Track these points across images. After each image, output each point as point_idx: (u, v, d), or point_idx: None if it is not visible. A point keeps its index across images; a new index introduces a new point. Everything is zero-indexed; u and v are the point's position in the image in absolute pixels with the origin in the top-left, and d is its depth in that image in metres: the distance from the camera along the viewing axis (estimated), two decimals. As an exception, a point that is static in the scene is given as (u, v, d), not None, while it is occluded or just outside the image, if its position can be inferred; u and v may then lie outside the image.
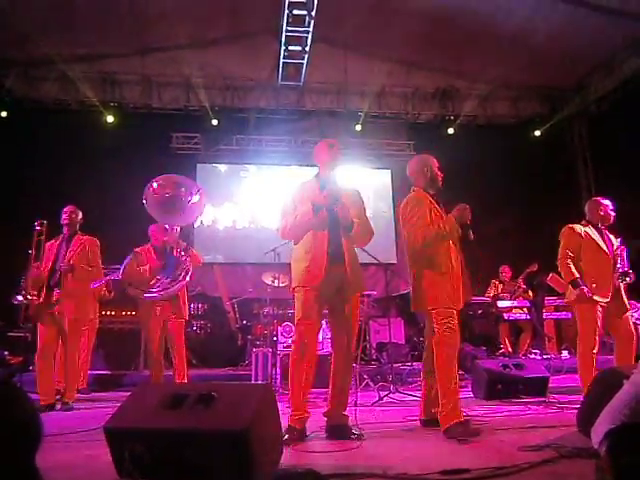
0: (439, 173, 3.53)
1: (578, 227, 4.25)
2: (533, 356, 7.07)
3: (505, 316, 7.36)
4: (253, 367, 5.61)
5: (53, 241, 4.64)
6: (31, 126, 8.60)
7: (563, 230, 4.33)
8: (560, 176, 9.85)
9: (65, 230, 4.67)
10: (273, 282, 6.40)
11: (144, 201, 3.74)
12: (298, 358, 3.11)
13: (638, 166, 7.74)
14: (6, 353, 6.42)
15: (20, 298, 4.57)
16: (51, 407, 4.27)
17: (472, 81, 9.60)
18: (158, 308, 4.58)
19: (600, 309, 3.98)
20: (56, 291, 4.42)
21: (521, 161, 9.19)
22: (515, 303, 7.37)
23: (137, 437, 1.99)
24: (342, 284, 3.12)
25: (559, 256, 4.22)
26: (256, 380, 5.49)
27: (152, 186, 3.85)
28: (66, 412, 4.20)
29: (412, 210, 3.34)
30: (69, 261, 4.45)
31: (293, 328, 5.72)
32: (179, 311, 4.70)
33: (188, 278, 4.66)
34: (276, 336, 5.81)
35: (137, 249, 4.82)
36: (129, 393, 4.80)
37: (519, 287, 7.58)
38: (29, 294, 4.36)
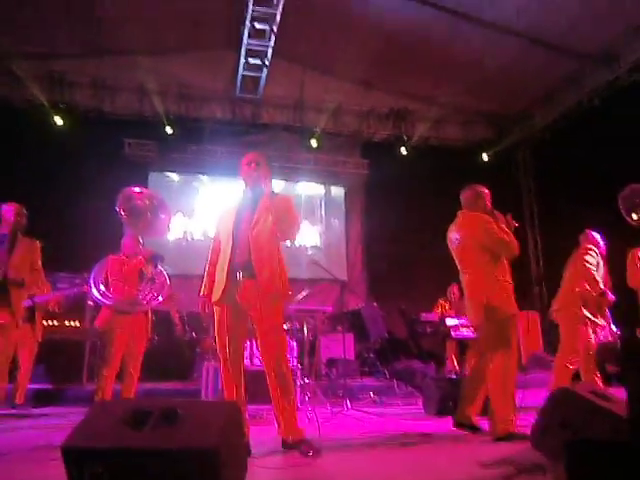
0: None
1: None
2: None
3: (453, 334, 7.53)
4: (203, 381, 5.47)
5: None
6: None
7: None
8: (506, 199, 10.23)
9: (5, 229, 4.38)
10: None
11: (117, 208, 3.62)
12: (224, 375, 3.11)
13: (579, 192, 8.18)
14: None
15: None
16: None
17: (425, 103, 9.91)
18: (128, 320, 4.43)
19: None
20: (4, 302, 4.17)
21: (470, 183, 9.50)
22: (463, 321, 7.57)
23: (97, 457, 1.90)
24: (255, 298, 3.04)
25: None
26: (206, 395, 5.36)
27: (130, 194, 3.74)
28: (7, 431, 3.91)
29: (495, 223, 3.56)
30: (16, 270, 4.21)
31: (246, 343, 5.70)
32: (146, 326, 4.60)
33: (161, 297, 4.57)
34: (228, 350, 5.70)
35: (110, 257, 4.63)
36: (74, 408, 4.63)
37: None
38: None
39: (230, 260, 3.10)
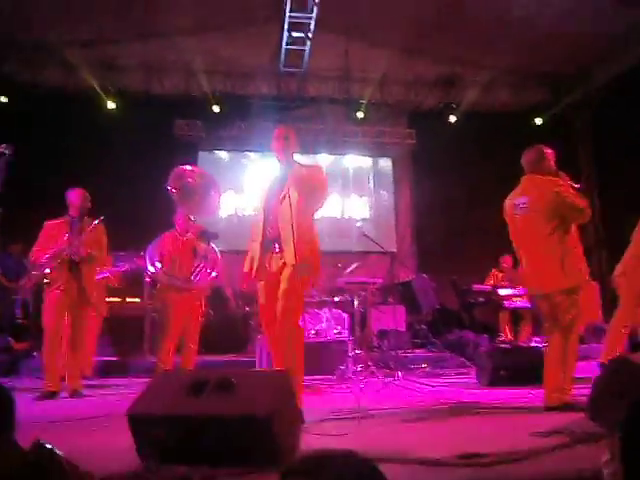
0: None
1: None
2: (534, 344, 7.13)
3: (506, 304, 7.42)
4: (258, 354, 5.65)
5: (56, 221, 4.56)
6: (31, 111, 8.55)
7: None
8: (562, 164, 9.85)
9: (73, 213, 4.58)
10: (276, 269, 6.41)
11: (169, 187, 3.71)
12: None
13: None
14: (10, 339, 6.44)
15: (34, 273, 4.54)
16: (53, 394, 4.25)
17: (473, 68, 9.58)
18: (184, 296, 4.62)
19: None
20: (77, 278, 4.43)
21: (523, 149, 9.18)
22: (516, 291, 7.43)
23: (159, 423, 2.02)
24: (280, 270, 3.11)
25: None
26: (260, 366, 5.53)
27: (181, 173, 3.84)
28: (77, 399, 4.23)
29: (567, 186, 3.41)
30: (85, 249, 4.43)
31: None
32: (201, 301, 4.79)
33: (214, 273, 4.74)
34: (280, 323, 5.82)
35: (165, 234, 4.81)
36: (137, 379, 4.89)
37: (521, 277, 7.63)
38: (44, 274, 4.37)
39: (263, 236, 3.19)
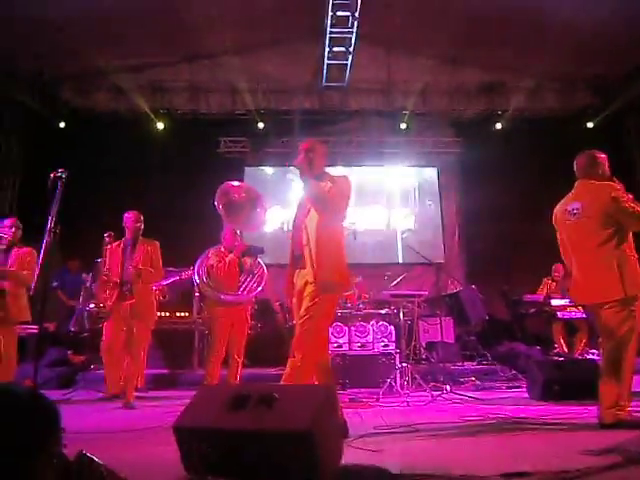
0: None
1: None
2: (590, 357, 6.85)
3: (559, 315, 7.17)
4: (304, 367, 5.67)
5: (115, 245, 4.85)
6: (86, 135, 9.00)
7: None
8: (615, 169, 9.48)
9: (128, 235, 4.87)
10: (322, 283, 6.43)
11: (216, 203, 3.82)
12: None
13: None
14: (69, 352, 6.73)
15: (92, 306, 4.85)
16: (116, 396, 4.53)
17: (518, 74, 9.38)
18: (230, 310, 4.74)
19: None
20: (128, 297, 4.65)
21: (574, 155, 8.90)
22: (570, 301, 7.16)
23: (204, 436, 2.07)
24: (303, 281, 3.10)
25: None
26: (307, 380, 5.56)
27: (227, 189, 3.94)
28: (130, 410, 4.37)
29: (623, 191, 3.29)
30: (137, 266, 4.64)
31: (344, 328, 5.84)
32: (247, 315, 4.90)
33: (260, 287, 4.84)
34: (326, 336, 5.83)
35: (211, 250, 4.97)
36: (187, 392, 5.00)
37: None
38: (101, 301, 4.64)
39: (291, 252, 3.22)
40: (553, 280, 7.65)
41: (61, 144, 8.74)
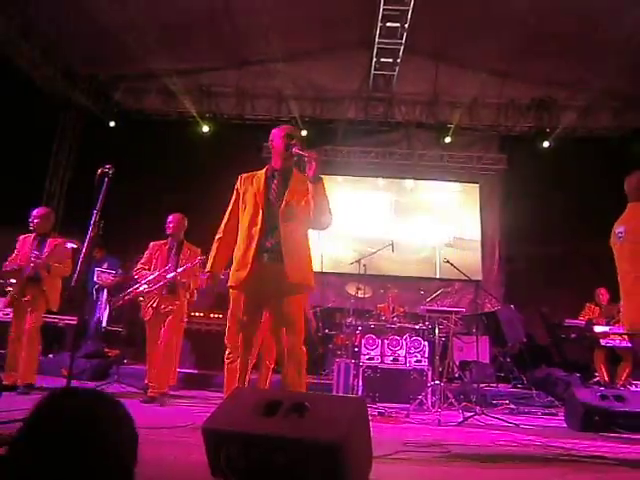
0: None
1: None
2: (634, 387, 6.54)
3: (602, 342, 6.87)
4: (335, 377, 5.62)
5: (160, 244, 4.94)
6: (135, 135, 9.25)
7: None
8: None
9: (170, 239, 4.92)
10: (357, 293, 6.40)
11: None
12: (229, 363, 3.14)
13: None
14: (105, 346, 6.87)
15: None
16: (163, 394, 4.55)
17: (571, 91, 9.14)
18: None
19: None
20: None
21: (625, 176, 8.59)
22: (614, 329, 6.87)
23: (233, 440, 2.05)
24: (279, 284, 2.95)
25: None
26: (337, 390, 5.50)
27: None
28: (161, 407, 4.42)
29: None
30: (181, 273, 4.72)
31: (377, 340, 5.75)
32: None
33: None
34: (358, 347, 5.78)
35: None
36: (218, 394, 5.01)
37: (619, 312, 7.05)
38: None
39: (258, 238, 3.01)
40: (597, 305, 7.36)
41: (111, 142, 9.00)
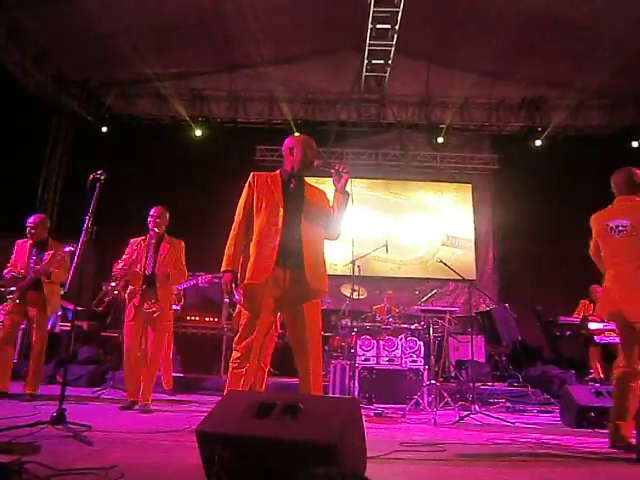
0: None
1: None
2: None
3: (597, 339, 6.90)
4: (331, 379, 5.62)
5: (139, 240, 4.72)
6: (128, 140, 9.24)
7: None
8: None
9: (152, 232, 4.68)
10: (352, 294, 6.41)
11: None
12: (235, 367, 3.08)
13: None
14: (101, 352, 6.85)
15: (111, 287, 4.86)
16: (134, 404, 4.36)
17: (561, 90, 9.21)
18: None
19: None
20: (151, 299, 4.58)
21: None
22: (608, 325, 6.90)
23: (226, 442, 2.05)
24: (300, 289, 2.94)
25: None
26: (333, 392, 5.50)
27: None
28: (145, 414, 4.19)
29: None
30: (163, 266, 4.57)
31: (372, 341, 5.75)
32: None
33: None
34: (354, 349, 5.78)
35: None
36: (212, 397, 5.00)
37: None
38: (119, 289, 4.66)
39: (280, 239, 2.96)
40: (591, 301, 7.39)
41: (103, 148, 8.98)
